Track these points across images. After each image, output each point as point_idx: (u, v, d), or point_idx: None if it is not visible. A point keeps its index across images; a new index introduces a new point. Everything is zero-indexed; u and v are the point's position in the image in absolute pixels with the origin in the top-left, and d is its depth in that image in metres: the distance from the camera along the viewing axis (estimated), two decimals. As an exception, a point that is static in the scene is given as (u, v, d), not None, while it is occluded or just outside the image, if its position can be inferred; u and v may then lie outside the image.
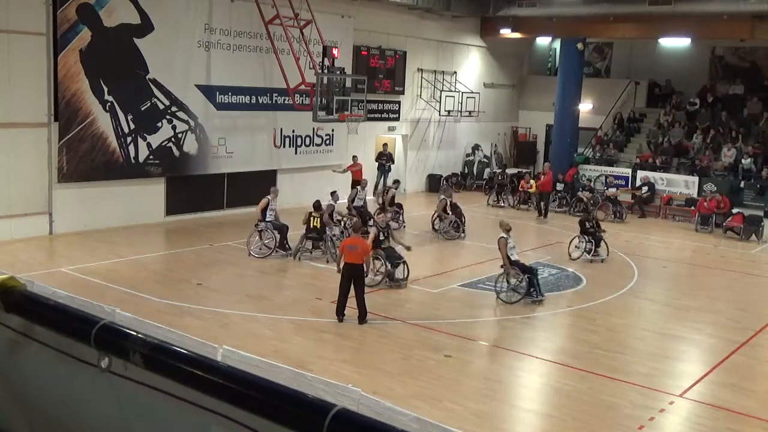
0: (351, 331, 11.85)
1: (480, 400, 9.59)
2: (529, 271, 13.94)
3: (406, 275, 14.52)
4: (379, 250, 14.22)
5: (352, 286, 12.10)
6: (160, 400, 2.19)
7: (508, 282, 13.90)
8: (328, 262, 15.76)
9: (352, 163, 23.07)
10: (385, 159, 25.95)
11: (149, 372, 2.18)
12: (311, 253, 16.26)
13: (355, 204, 19.43)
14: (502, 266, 13.92)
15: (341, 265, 12.25)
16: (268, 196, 16.48)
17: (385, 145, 25.86)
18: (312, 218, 16.11)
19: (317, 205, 16.33)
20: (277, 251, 16.26)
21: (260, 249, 16.43)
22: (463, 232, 19.74)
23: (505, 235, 13.90)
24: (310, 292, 13.92)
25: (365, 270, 12.20)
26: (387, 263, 14.25)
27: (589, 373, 10.50)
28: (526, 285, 13.74)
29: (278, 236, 16.30)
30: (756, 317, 13.60)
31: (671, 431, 9.32)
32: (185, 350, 2.18)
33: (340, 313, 12.13)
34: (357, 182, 21.50)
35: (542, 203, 23.93)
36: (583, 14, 26.14)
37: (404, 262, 14.54)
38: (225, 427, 2.03)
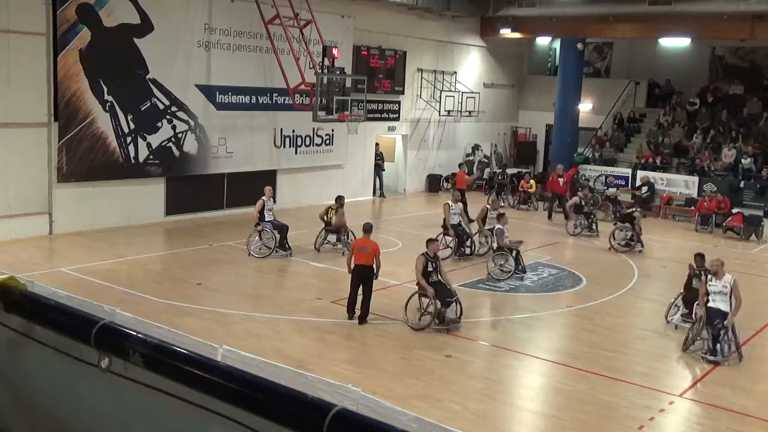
0: (351, 331, 11.85)
1: (480, 400, 9.59)
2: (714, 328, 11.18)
3: (459, 314, 12.16)
4: (428, 287, 11.89)
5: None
6: (160, 400, 2.18)
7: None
8: (344, 254, 15.80)
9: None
10: (379, 158, 25.99)
11: (149, 372, 2.18)
12: (335, 246, 16.80)
13: (452, 222, 17.04)
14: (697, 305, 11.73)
15: (351, 266, 12.24)
16: (263, 197, 16.49)
17: (377, 144, 25.89)
18: (329, 210, 16.67)
19: (338, 198, 17.08)
20: (277, 251, 16.26)
21: (260, 249, 16.43)
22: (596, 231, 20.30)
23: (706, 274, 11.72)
24: (310, 292, 13.92)
25: (375, 272, 12.18)
26: (437, 301, 11.80)
27: (589, 373, 10.50)
28: (710, 341, 11.20)
29: (278, 236, 16.31)
30: (756, 317, 13.58)
31: (671, 431, 9.32)
32: (185, 350, 2.18)
33: (350, 311, 12.19)
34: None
35: (554, 204, 23.39)
36: (583, 14, 26.14)
37: (457, 300, 12.18)
38: (225, 427, 2.03)
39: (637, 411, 9.36)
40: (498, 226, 15.67)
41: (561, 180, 23.82)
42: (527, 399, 9.95)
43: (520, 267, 15.52)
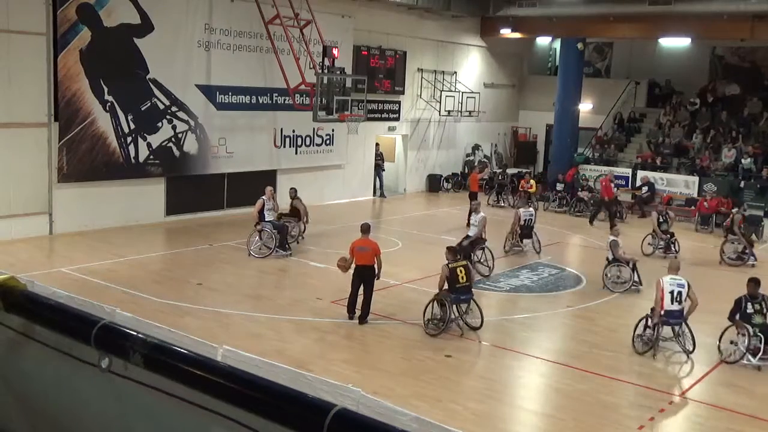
0: (351, 331, 11.85)
1: (480, 400, 9.59)
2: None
3: (479, 322, 12.02)
4: (449, 293, 11.82)
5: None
6: (160, 400, 2.18)
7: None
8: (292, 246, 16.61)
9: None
10: (379, 158, 26.00)
11: (149, 372, 2.18)
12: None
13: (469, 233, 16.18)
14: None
15: (352, 266, 12.19)
16: (263, 197, 16.51)
17: (377, 144, 25.91)
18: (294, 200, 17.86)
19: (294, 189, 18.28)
20: (277, 251, 16.27)
21: (260, 249, 16.44)
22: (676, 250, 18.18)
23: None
24: (310, 292, 13.92)
25: (377, 272, 12.17)
26: (451, 308, 11.75)
27: (589, 373, 10.50)
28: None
29: (278, 236, 16.32)
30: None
31: (671, 431, 9.32)
32: (185, 350, 2.18)
33: (350, 311, 12.19)
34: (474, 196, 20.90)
35: (608, 213, 22.29)
36: (583, 14, 26.14)
37: (474, 301, 12.09)
38: (225, 427, 2.03)
39: (637, 411, 9.36)
40: (612, 237, 15.13)
41: (613, 185, 22.91)
42: (527, 399, 9.95)
43: (636, 279, 14.87)
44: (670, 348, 11.58)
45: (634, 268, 14.96)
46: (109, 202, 18.22)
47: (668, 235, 18.61)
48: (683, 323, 11.42)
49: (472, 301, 12.04)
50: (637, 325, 11.63)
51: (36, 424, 2.77)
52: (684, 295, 11.40)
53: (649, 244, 18.69)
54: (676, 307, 11.33)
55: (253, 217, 16.55)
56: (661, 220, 18.81)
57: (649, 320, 11.46)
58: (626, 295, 14.90)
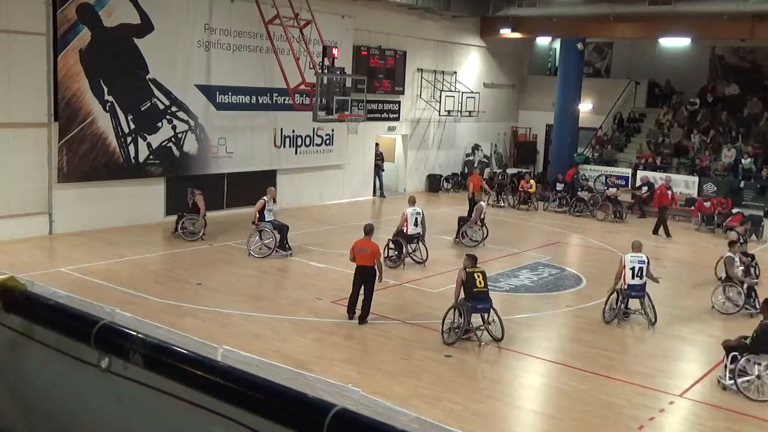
0: (351, 331, 11.85)
1: (480, 400, 9.59)
2: None
3: (501, 334, 11.54)
4: (466, 301, 11.42)
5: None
6: (160, 400, 2.18)
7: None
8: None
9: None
10: (378, 159, 26.01)
11: (149, 372, 2.18)
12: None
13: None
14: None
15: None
16: (264, 197, 16.51)
17: (376, 144, 25.92)
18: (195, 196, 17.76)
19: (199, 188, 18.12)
20: (277, 251, 16.28)
21: (260, 249, 16.44)
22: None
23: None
24: (310, 292, 13.92)
25: (378, 274, 12.15)
26: (468, 317, 11.35)
27: (589, 373, 10.50)
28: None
29: (278, 236, 16.32)
30: (757, 318, 13.56)
31: (671, 431, 9.32)
32: (185, 350, 2.17)
33: (350, 311, 12.20)
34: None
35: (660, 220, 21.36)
36: (583, 14, 26.15)
37: (495, 311, 11.61)
38: (225, 427, 2.03)
39: (637, 411, 9.37)
40: (729, 254, 13.99)
41: (670, 192, 22.09)
42: (527, 399, 9.95)
43: (752, 301, 13.63)
44: (635, 320, 12.91)
45: (750, 291, 13.80)
46: (109, 202, 18.22)
47: (748, 258, 15.46)
48: (646, 296, 12.78)
49: (492, 311, 11.60)
50: (608, 299, 12.92)
51: (35, 424, 2.77)
52: (644, 270, 12.70)
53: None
54: (637, 281, 12.68)
55: (254, 217, 16.53)
56: (741, 241, 16.42)
57: (620, 295, 12.74)
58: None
